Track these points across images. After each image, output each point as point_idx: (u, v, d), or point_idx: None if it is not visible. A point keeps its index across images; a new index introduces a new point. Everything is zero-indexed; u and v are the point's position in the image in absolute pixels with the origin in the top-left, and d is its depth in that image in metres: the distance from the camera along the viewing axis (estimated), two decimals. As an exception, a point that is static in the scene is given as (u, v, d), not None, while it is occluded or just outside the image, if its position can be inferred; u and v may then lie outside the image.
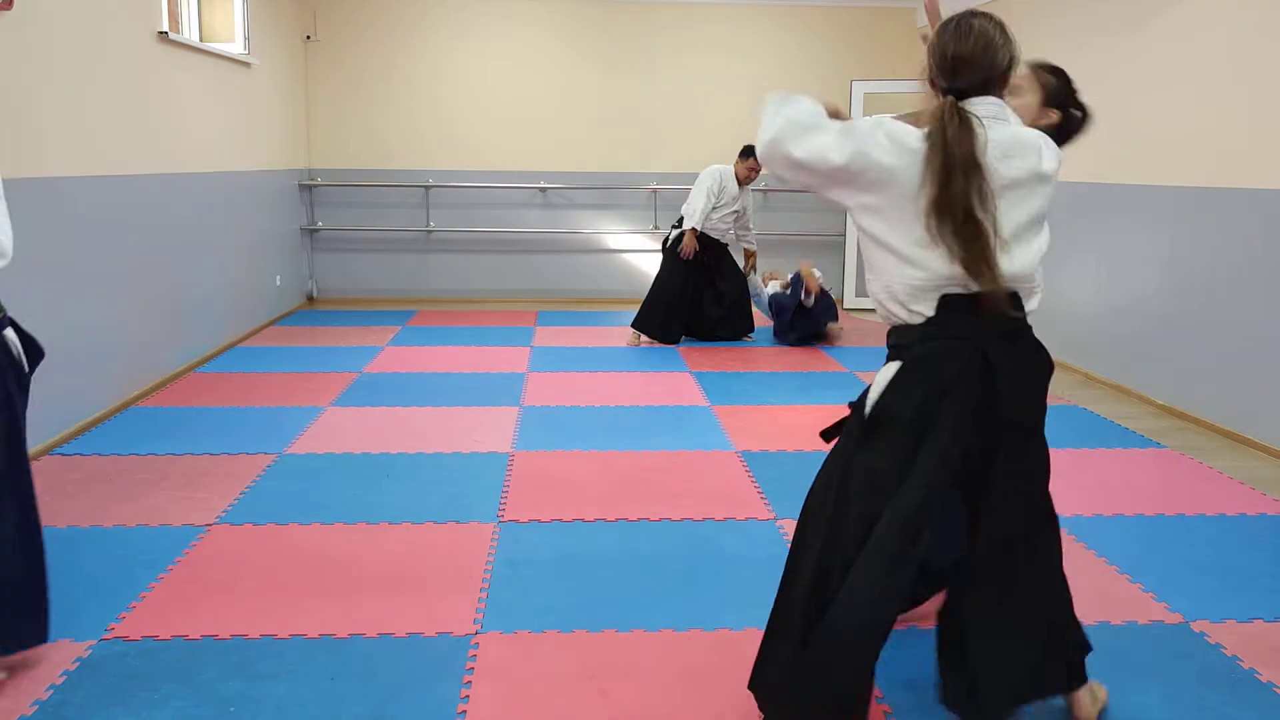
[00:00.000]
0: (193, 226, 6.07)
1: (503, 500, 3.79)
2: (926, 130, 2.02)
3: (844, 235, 8.82)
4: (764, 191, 8.82)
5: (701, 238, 6.99)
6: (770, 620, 2.28)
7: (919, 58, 2.16)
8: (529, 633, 2.76)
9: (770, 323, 7.57)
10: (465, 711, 2.37)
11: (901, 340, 2.12)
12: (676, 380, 5.88)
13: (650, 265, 8.84)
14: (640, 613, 2.88)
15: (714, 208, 6.94)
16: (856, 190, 2.08)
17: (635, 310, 7.18)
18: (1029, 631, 2.17)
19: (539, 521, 3.58)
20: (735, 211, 7.04)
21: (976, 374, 2.05)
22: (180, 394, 5.38)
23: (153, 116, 5.50)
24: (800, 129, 2.07)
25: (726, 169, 6.97)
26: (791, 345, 7.07)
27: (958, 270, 2.00)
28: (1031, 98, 2.57)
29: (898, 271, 2.07)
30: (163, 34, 5.57)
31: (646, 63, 8.81)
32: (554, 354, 6.60)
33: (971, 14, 2.09)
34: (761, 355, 6.73)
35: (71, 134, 4.61)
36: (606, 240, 9.03)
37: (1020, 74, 2.39)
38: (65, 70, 4.54)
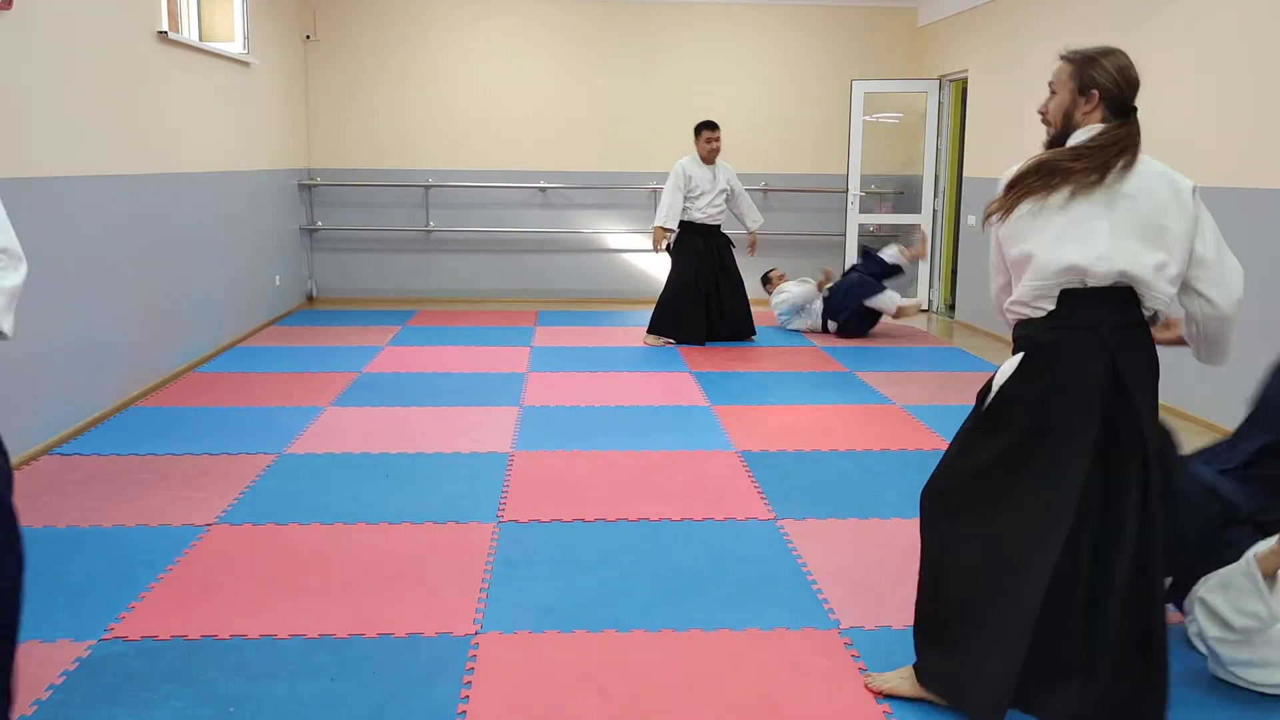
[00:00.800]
0: (193, 226, 6.07)
1: (503, 500, 3.79)
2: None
3: (844, 235, 8.81)
4: (764, 191, 8.82)
5: (701, 230, 6.98)
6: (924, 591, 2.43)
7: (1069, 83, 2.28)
8: (529, 633, 2.76)
9: (774, 324, 7.59)
10: (465, 711, 2.37)
11: (1025, 331, 2.29)
12: (676, 380, 5.89)
13: (650, 265, 8.84)
14: (640, 613, 2.88)
15: (695, 196, 6.92)
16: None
17: (635, 309, 7.17)
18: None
19: (539, 521, 3.58)
20: (723, 191, 7.02)
21: (1099, 358, 2.19)
22: (180, 394, 5.38)
23: (153, 116, 5.49)
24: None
25: (687, 158, 6.98)
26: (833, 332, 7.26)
27: (1072, 271, 2.19)
28: None
29: (1028, 280, 2.24)
30: (162, 34, 5.57)
31: (646, 62, 8.81)
32: (554, 354, 6.60)
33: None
34: (761, 355, 6.73)
35: (71, 134, 4.61)
36: (606, 240, 9.03)
37: None
38: (65, 70, 4.54)
